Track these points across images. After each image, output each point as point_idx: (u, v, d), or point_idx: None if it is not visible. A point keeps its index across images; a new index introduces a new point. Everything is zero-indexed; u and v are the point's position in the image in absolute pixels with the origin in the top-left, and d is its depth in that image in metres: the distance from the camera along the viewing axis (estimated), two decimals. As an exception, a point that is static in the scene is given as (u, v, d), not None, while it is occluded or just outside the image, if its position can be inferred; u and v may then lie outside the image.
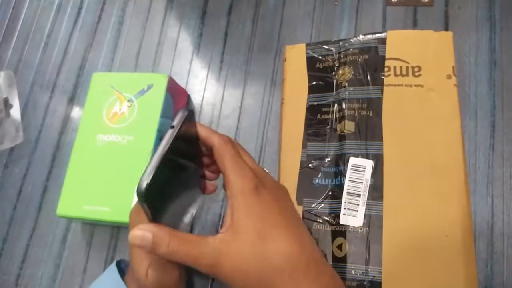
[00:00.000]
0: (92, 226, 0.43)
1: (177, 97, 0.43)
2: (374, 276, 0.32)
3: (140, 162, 0.39)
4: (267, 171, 0.31)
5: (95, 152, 0.41)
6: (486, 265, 0.34)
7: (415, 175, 0.34)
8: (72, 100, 0.49)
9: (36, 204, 0.45)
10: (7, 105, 0.49)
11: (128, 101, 0.42)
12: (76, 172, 0.41)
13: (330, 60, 0.39)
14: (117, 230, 0.42)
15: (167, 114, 0.41)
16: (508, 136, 0.37)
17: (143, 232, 0.25)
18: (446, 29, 0.41)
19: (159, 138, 0.40)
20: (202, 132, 0.28)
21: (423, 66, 0.36)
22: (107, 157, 0.40)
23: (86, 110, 0.43)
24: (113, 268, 0.33)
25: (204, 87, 0.46)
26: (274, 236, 0.25)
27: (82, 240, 0.43)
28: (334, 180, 0.35)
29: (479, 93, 0.39)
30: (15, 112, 0.49)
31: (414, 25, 0.42)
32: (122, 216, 0.38)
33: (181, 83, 0.46)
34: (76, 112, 0.48)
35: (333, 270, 0.27)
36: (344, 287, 0.28)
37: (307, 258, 0.25)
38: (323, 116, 0.37)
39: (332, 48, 0.39)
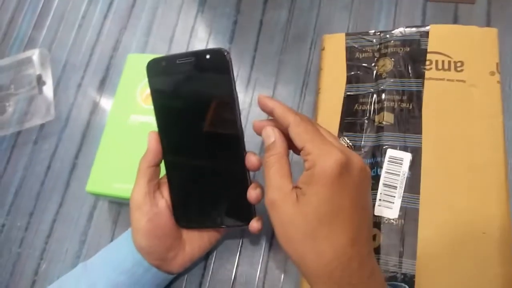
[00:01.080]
0: (118, 205, 0.43)
1: None
2: (407, 269, 0.31)
3: None
4: (351, 145, 0.32)
5: (127, 131, 0.41)
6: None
7: (453, 171, 0.33)
8: (104, 81, 0.49)
9: (64, 181, 0.46)
10: (40, 82, 0.50)
11: None
12: (108, 150, 0.41)
13: (370, 50, 0.38)
14: (144, 210, 0.42)
15: None
16: (548, 137, 0.37)
17: (272, 132, 0.29)
18: (488, 26, 0.40)
19: None
20: (277, 110, 0.28)
21: (465, 62, 0.35)
22: (139, 137, 0.40)
23: (119, 90, 0.43)
24: (127, 234, 0.35)
25: (237, 74, 0.46)
26: (333, 224, 0.25)
27: (108, 218, 0.43)
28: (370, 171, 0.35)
29: (519, 92, 0.38)
30: (48, 89, 0.49)
31: (455, 22, 0.41)
32: None
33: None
34: (107, 93, 0.49)
35: (377, 268, 0.27)
36: (385, 283, 0.27)
37: (353, 253, 0.25)
38: (360, 106, 0.37)
39: (372, 39, 0.39)
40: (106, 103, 0.48)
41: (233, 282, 0.38)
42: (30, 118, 0.49)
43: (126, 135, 0.41)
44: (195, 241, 0.35)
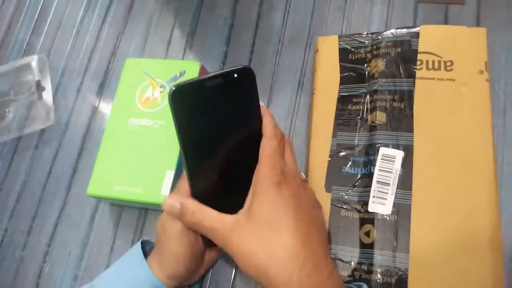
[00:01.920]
0: (120, 207, 0.44)
1: None
2: (401, 263, 0.33)
3: (171, 146, 0.40)
4: (305, 178, 0.34)
5: (126, 134, 0.42)
6: (511, 260, 0.35)
7: (444, 167, 0.34)
8: (103, 86, 0.51)
9: (65, 185, 0.47)
10: (39, 87, 0.51)
11: (161, 86, 0.43)
12: (108, 153, 0.42)
13: (362, 52, 0.40)
14: (145, 212, 0.44)
15: None
16: (536, 133, 0.38)
17: (174, 202, 0.30)
18: (478, 26, 0.42)
19: None
20: (265, 120, 0.30)
21: (455, 61, 0.37)
22: (139, 140, 0.42)
23: (118, 94, 0.45)
24: (137, 248, 0.35)
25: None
26: (281, 228, 0.27)
27: (110, 221, 0.44)
28: (363, 169, 0.36)
29: (508, 91, 0.40)
30: (47, 95, 0.51)
31: (445, 23, 0.43)
32: (151, 197, 0.39)
33: (211, 72, 0.47)
34: (106, 97, 0.50)
35: (334, 270, 0.29)
36: (343, 284, 0.29)
37: (306, 254, 0.27)
38: (354, 106, 0.38)
39: (365, 41, 0.40)
40: (105, 107, 0.50)
41: (233, 280, 0.39)
42: (30, 124, 0.50)
43: (126, 138, 0.42)
44: (211, 252, 0.36)
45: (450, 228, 0.33)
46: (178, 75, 0.43)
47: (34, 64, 0.52)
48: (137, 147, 0.42)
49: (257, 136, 0.30)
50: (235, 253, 0.28)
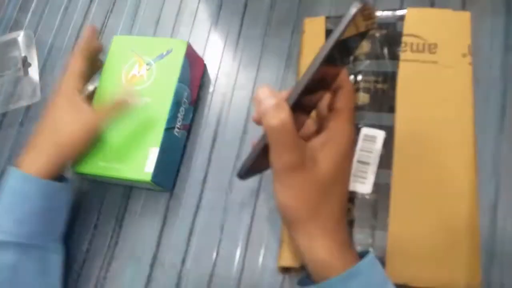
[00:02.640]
0: (104, 184, 0.44)
1: (194, 64, 0.44)
2: (379, 241, 0.33)
3: (156, 123, 0.40)
4: None
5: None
6: (488, 242, 0.36)
7: (425, 148, 0.35)
8: (90, 63, 0.50)
9: (50, 162, 0.47)
10: (25, 64, 0.50)
11: (147, 64, 0.43)
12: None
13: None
14: (129, 189, 0.44)
15: (184, 79, 0.43)
16: (517, 119, 0.39)
17: (271, 93, 0.27)
18: (463, 11, 0.42)
19: (175, 102, 0.41)
20: (342, 74, 0.30)
21: (439, 44, 0.37)
22: (124, 117, 0.41)
23: (104, 71, 0.44)
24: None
25: (221, 58, 0.47)
26: (344, 178, 0.30)
27: (93, 198, 0.44)
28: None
29: (491, 76, 0.40)
30: (33, 71, 0.50)
31: (432, 6, 0.42)
32: (135, 174, 0.39)
33: (199, 52, 0.47)
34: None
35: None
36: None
37: (342, 215, 0.30)
38: (338, 87, 0.38)
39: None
40: (91, 84, 0.49)
41: (215, 257, 0.40)
42: (16, 100, 0.50)
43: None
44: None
45: (428, 208, 0.34)
46: (164, 53, 0.43)
47: (20, 40, 0.51)
48: (123, 124, 0.41)
49: (331, 80, 0.30)
50: (310, 178, 0.28)
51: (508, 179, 0.37)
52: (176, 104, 0.42)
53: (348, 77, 0.30)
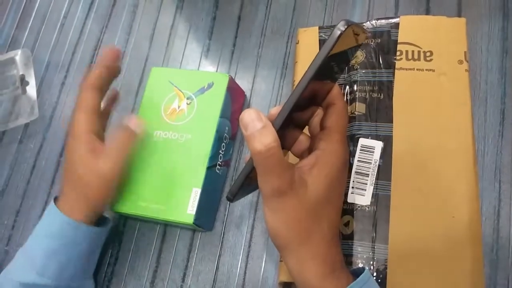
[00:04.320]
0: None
1: (235, 97, 0.42)
2: (380, 254, 0.32)
3: (197, 162, 0.38)
4: None
5: (152, 148, 0.40)
6: (491, 249, 0.35)
7: (423, 157, 0.34)
8: (87, 79, 0.50)
9: (49, 179, 0.46)
10: (23, 82, 0.50)
11: (188, 98, 0.41)
12: (132, 167, 0.39)
13: (342, 43, 0.39)
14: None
15: (226, 114, 0.40)
16: (517, 124, 0.38)
17: (258, 117, 0.26)
18: (459, 17, 0.41)
19: (217, 139, 0.39)
20: (337, 90, 0.29)
21: (435, 51, 0.36)
22: (164, 154, 0.39)
23: (143, 104, 0.42)
24: (51, 205, 0.36)
25: (216, 70, 0.46)
26: (334, 203, 0.28)
27: (93, 214, 0.44)
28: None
29: (489, 81, 0.39)
30: (31, 89, 0.50)
31: (427, 13, 0.42)
32: (177, 215, 0.37)
33: (194, 65, 0.47)
34: (90, 91, 0.49)
35: (340, 245, 0.30)
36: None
37: (335, 234, 0.28)
38: (334, 97, 0.38)
39: (345, 32, 0.39)
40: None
41: (215, 272, 0.39)
42: (15, 118, 0.49)
43: (151, 152, 0.40)
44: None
45: (429, 218, 0.33)
46: (206, 87, 0.41)
47: (18, 58, 0.51)
48: (163, 161, 0.39)
49: (323, 94, 0.29)
50: (295, 205, 0.26)
51: (509, 185, 0.36)
52: (218, 140, 0.39)
53: (341, 94, 0.29)
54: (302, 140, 0.30)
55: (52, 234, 0.34)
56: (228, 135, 0.41)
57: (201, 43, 0.48)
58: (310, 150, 0.29)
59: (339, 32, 0.24)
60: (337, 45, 0.25)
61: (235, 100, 0.42)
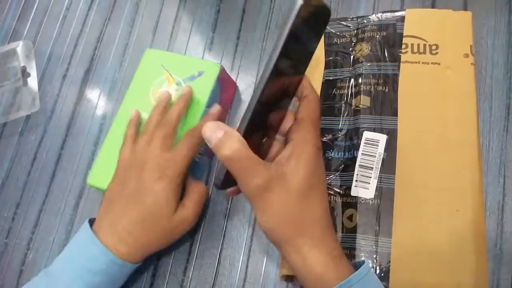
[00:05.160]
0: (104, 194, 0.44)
1: (225, 88, 0.43)
2: (383, 247, 0.32)
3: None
4: None
5: None
6: (495, 244, 0.35)
7: (428, 151, 0.34)
8: (89, 72, 0.50)
9: (50, 171, 0.47)
10: (24, 74, 0.50)
11: (177, 84, 0.41)
12: (114, 143, 0.40)
13: (348, 36, 0.39)
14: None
15: (212, 104, 0.40)
16: (523, 119, 0.38)
17: (217, 127, 0.27)
18: (465, 11, 0.41)
19: None
20: (306, 81, 0.30)
21: (440, 45, 0.36)
22: None
23: (133, 85, 0.43)
24: (86, 227, 0.35)
25: (220, 63, 0.47)
26: (319, 190, 0.28)
27: (94, 207, 0.44)
28: (347, 153, 0.36)
29: (495, 75, 0.39)
30: (32, 81, 0.50)
31: (433, 6, 0.42)
32: None
33: (198, 58, 0.47)
34: (92, 84, 0.50)
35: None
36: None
37: (327, 220, 0.28)
38: (338, 91, 0.38)
39: (350, 25, 0.40)
40: (91, 93, 0.49)
41: (217, 265, 0.39)
42: (16, 110, 0.50)
43: None
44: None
45: (433, 212, 0.33)
46: (196, 75, 0.41)
47: (19, 50, 0.51)
48: None
49: (293, 88, 0.29)
50: (269, 202, 0.27)
51: (514, 180, 0.36)
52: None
53: (310, 85, 0.30)
54: (276, 144, 0.31)
55: (96, 270, 0.33)
56: None
57: (204, 36, 0.48)
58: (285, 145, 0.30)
59: (297, 8, 0.24)
60: (297, 30, 0.24)
61: (225, 91, 0.43)
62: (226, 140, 0.26)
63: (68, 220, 0.44)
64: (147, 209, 0.34)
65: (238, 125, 0.27)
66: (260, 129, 0.29)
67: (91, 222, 0.36)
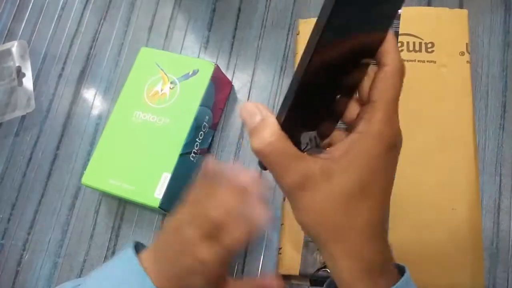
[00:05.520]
0: (100, 194, 0.44)
1: (220, 87, 0.43)
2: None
3: (171, 147, 0.39)
4: None
5: (129, 127, 0.41)
6: (491, 242, 0.35)
7: (424, 149, 0.34)
8: (84, 71, 0.50)
9: (46, 172, 0.47)
10: (19, 74, 0.50)
11: (171, 82, 0.41)
12: (108, 144, 0.41)
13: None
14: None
15: (207, 103, 0.41)
16: (519, 117, 0.38)
17: (255, 109, 0.23)
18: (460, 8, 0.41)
19: (195, 127, 0.40)
20: (388, 44, 0.23)
21: (436, 43, 0.37)
22: (141, 135, 0.40)
23: (128, 84, 0.43)
24: (132, 259, 0.30)
25: (216, 61, 0.47)
26: (373, 198, 0.23)
27: (90, 207, 0.44)
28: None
29: (491, 74, 0.40)
30: (27, 81, 0.50)
31: (428, 5, 0.42)
32: (144, 198, 0.38)
33: (193, 57, 0.47)
34: (87, 83, 0.50)
35: (387, 245, 0.25)
36: (393, 257, 0.26)
37: (383, 228, 0.24)
38: (334, 89, 0.38)
39: (345, 23, 0.40)
40: (86, 93, 0.49)
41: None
42: (11, 110, 0.50)
43: (128, 131, 0.41)
44: None
45: (429, 210, 0.33)
46: (190, 73, 0.41)
47: (14, 50, 0.51)
48: (138, 142, 0.40)
49: (369, 54, 0.22)
50: (304, 204, 0.23)
51: (510, 178, 0.37)
52: (196, 128, 0.40)
53: (395, 47, 0.22)
54: (337, 135, 0.26)
55: None
56: (208, 124, 0.42)
57: (200, 35, 0.48)
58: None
59: None
60: None
61: (220, 90, 0.43)
62: (261, 129, 0.22)
63: (64, 221, 0.44)
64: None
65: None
66: (324, 114, 0.23)
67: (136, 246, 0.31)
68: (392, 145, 0.23)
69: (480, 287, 0.31)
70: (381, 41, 0.22)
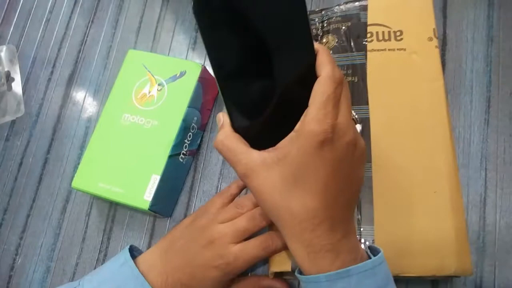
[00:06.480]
0: (91, 197, 0.45)
1: (207, 88, 0.44)
2: (367, 235, 0.34)
3: (160, 149, 0.40)
4: (357, 130, 0.32)
5: (118, 130, 0.42)
6: (478, 237, 0.36)
7: (401, 135, 0.35)
8: (73, 74, 0.51)
9: (37, 176, 0.48)
10: (8, 78, 0.51)
11: (159, 84, 0.42)
12: (97, 147, 0.42)
13: (313, 29, 0.41)
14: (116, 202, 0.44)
15: (195, 104, 0.42)
16: (503, 111, 0.39)
17: (220, 117, 0.30)
18: (445, 6, 0.42)
19: (183, 128, 0.41)
20: (321, 57, 0.27)
21: (404, 30, 0.38)
22: (129, 138, 0.41)
23: (116, 86, 0.44)
24: (133, 269, 0.33)
25: (203, 63, 0.47)
26: (306, 189, 0.27)
27: (82, 210, 0.45)
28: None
29: (475, 69, 0.41)
30: (17, 85, 0.51)
31: None
32: (134, 200, 0.39)
33: (181, 58, 0.48)
34: (77, 87, 0.51)
35: (351, 232, 0.29)
36: (359, 245, 0.29)
37: (324, 216, 0.27)
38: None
39: (315, 18, 0.41)
40: (76, 96, 0.50)
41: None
42: (1, 115, 0.51)
43: (117, 134, 0.42)
44: None
45: (412, 195, 0.34)
46: (178, 75, 0.42)
47: (3, 54, 0.52)
48: (127, 145, 0.41)
49: (310, 74, 0.27)
50: (254, 189, 0.28)
51: (495, 172, 0.38)
52: (184, 130, 0.41)
53: (327, 60, 0.27)
54: None
55: None
56: (197, 125, 0.43)
57: (188, 36, 0.49)
58: None
59: None
60: None
61: (208, 90, 0.44)
62: (219, 132, 0.30)
63: (56, 224, 0.45)
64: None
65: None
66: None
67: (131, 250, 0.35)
68: (325, 141, 0.26)
69: (467, 267, 0.32)
70: (312, 64, 0.27)
